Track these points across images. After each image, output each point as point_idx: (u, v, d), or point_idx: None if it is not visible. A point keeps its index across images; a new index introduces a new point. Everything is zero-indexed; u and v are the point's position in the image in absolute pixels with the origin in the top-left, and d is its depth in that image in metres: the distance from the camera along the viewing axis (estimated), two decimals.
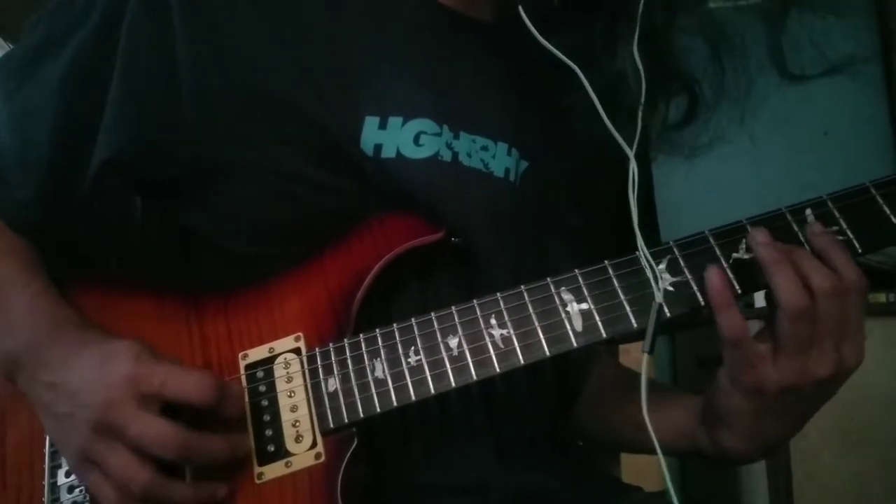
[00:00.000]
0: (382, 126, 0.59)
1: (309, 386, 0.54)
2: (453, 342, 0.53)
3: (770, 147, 2.25)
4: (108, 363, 0.51)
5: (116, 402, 0.49)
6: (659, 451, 0.46)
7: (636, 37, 0.53)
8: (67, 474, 0.56)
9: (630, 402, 0.64)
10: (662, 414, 0.60)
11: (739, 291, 0.50)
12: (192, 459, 0.50)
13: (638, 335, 0.60)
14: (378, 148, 0.59)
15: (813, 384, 0.48)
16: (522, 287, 0.53)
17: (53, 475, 0.57)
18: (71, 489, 0.56)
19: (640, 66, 0.52)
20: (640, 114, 0.52)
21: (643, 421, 0.61)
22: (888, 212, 0.49)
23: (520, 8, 0.54)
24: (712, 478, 1.86)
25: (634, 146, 0.50)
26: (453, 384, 0.52)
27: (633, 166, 0.50)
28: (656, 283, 0.49)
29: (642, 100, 0.52)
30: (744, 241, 0.50)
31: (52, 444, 0.57)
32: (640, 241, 0.49)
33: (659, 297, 0.49)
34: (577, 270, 0.53)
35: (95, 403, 0.49)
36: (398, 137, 0.59)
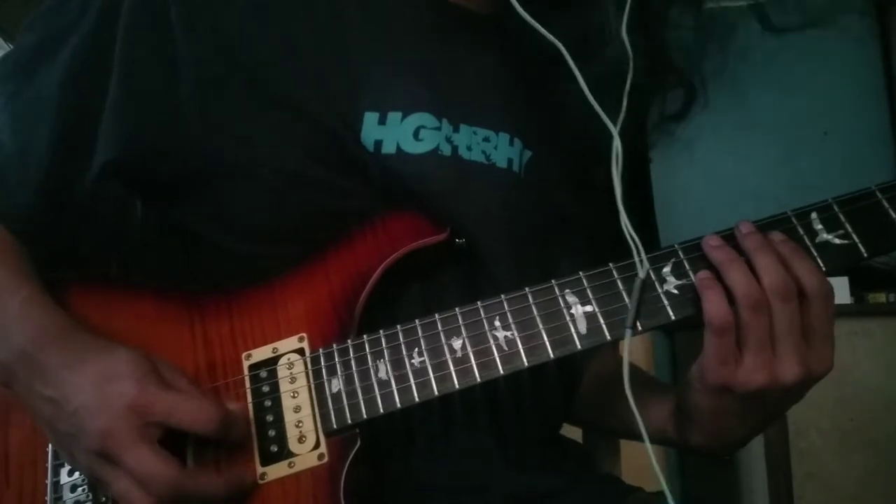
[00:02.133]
0: (382, 121, 0.58)
1: (312, 387, 0.54)
2: (457, 344, 0.52)
3: (770, 147, 2.25)
4: (110, 384, 0.49)
5: (116, 432, 0.48)
6: (649, 449, 0.47)
7: (625, 21, 0.52)
8: (70, 473, 0.56)
9: (619, 393, 0.65)
10: (640, 411, 0.60)
11: None
12: (185, 499, 0.49)
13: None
14: (378, 144, 0.58)
15: (779, 390, 0.49)
16: (527, 289, 0.53)
17: (56, 474, 0.56)
18: (73, 488, 0.56)
19: (629, 51, 0.52)
20: (625, 96, 0.52)
21: (625, 412, 0.62)
22: (894, 216, 0.49)
23: None
24: (712, 477, 1.87)
25: (619, 124, 0.50)
26: (457, 386, 0.52)
27: (616, 143, 0.50)
28: (639, 256, 0.49)
29: (629, 80, 0.51)
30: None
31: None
32: (623, 217, 0.49)
33: (642, 273, 0.49)
34: (581, 273, 0.53)
35: (97, 430, 0.48)
36: (398, 132, 0.59)
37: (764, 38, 0.63)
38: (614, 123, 0.50)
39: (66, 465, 0.56)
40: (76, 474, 0.56)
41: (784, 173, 2.22)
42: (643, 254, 0.50)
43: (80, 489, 0.56)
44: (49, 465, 0.57)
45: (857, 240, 0.49)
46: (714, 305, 0.48)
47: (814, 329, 0.48)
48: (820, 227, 0.50)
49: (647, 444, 0.46)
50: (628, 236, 0.50)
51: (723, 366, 0.49)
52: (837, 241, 0.50)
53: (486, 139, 0.62)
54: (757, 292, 0.47)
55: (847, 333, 1.85)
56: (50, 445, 0.57)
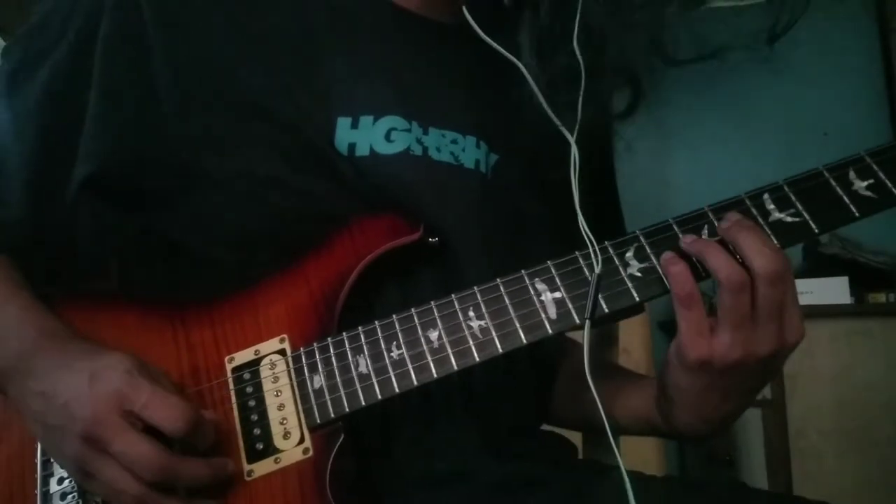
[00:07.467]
0: (354, 125, 0.61)
1: (295, 384, 0.55)
2: (433, 335, 0.54)
3: (770, 147, 2.27)
4: (99, 376, 0.51)
5: (103, 417, 0.50)
6: (607, 425, 0.49)
7: (576, 30, 0.55)
8: (59, 482, 0.57)
9: (600, 386, 0.66)
10: (622, 401, 0.63)
11: (704, 275, 0.52)
12: (171, 482, 0.50)
13: (621, 315, 0.62)
14: (352, 147, 0.60)
15: (757, 361, 0.50)
16: (498, 280, 0.55)
17: (46, 484, 0.57)
18: (63, 496, 0.56)
19: (581, 59, 0.54)
20: (580, 102, 0.54)
21: (594, 400, 0.63)
22: (840, 192, 0.52)
23: (463, 7, 0.57)
24: (712, 477, 1.86)
25: (575, 133, 0.53)
26: (435, 375, 0.53)
27: (574, 151, 0.52)
28: (595, 257, 0.52)
29: (582, 89, 0.54)
30: (706, 227, 0.53)
31: (43, 453, 0.58)
32: (581, 221, 0.51)
33: (598, 269, 0.51)
34: (549, 262, 0.55)
35: (85, 417, 0.50)
36: (370, 135, 0.61)
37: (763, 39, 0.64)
38: (571, 129, 0.53)
39: (55, 474, 0.57)
40: (66, 483, 0.57)
41: (784, 173, 2.24)
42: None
43: (70, 496, 0.56)
44: (38, 475, 0.57)
45: (807, 217, 0.52)
46: (679, 281, 0.50)
47: (788, 302, 0.50)
48: (772, 206, 0.52)
49: (604, 417, 0.48)
50: (586, 237, 0.52)
51: (699, 337, 0.50)
52: (789, 219, 0.52)
53: (454, 141, 0.64)
54: (741, 276, 0.49)
55: (847, 333, 1.86)
56: (39, 456, 0.58)
